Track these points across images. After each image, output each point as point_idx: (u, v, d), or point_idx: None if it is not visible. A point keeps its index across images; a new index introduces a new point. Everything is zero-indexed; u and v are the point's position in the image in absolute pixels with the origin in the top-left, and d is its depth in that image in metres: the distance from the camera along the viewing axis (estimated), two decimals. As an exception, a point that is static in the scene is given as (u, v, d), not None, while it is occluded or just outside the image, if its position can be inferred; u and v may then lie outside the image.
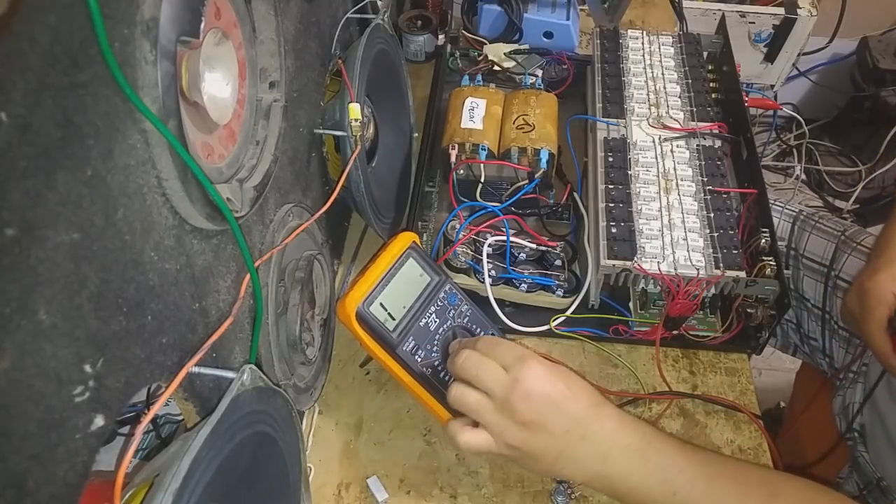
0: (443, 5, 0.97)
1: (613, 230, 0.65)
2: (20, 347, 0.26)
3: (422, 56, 0.96)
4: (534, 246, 0.70)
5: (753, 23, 1.43)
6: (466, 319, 0.60)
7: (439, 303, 0.59)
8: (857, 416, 0.78)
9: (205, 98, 0.38)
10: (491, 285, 0.67)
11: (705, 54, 0.85)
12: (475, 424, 0.51)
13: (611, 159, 0.71)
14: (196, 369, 0.40)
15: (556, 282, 0.68)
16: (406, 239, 0.59)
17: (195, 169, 0.36)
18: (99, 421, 0.32)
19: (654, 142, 0.73)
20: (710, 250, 0.64)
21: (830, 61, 1.75)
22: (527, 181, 0.72)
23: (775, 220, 0.88)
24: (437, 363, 0.57)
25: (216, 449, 0.38)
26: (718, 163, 0.71)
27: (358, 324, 0.55)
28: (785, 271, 0.63)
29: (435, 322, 0.58)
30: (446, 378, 0.56)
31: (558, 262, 0.69)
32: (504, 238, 0.69)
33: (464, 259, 0.68)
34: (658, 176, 0.70)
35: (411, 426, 0.64)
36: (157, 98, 0.33)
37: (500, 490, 0.60)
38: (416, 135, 0.81)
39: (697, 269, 0.62)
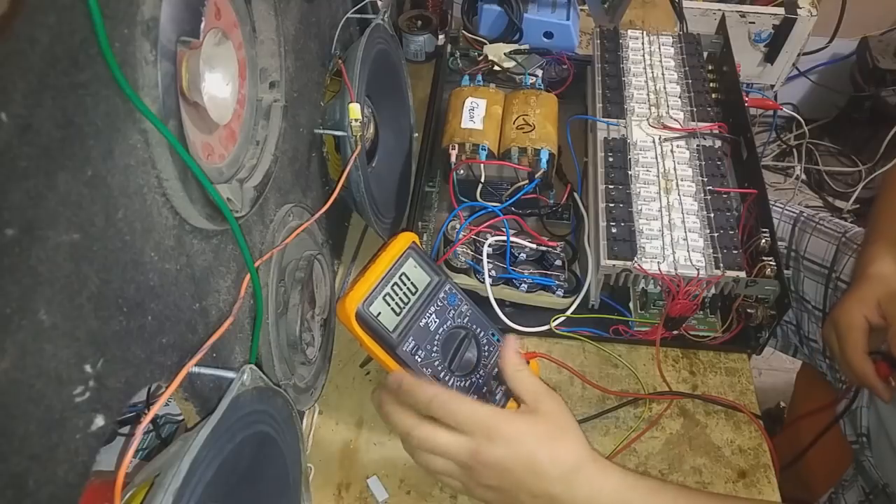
0: (443, 5, 0.97)
1: (613, 230, 0.65)
2: (20, 347, 0.26)
3: (422, 56, 0.96)
4: (534, 246, 0.70)
5: (753, 23, 1.43)
6: (466, 319, 0.60)
7: (439, 303, 0.59)
8: (846, 416, 0.78)
9: (205, 98, 0.38)
10: (491, 285, 0.67)
11: (705, 54, 0.85)
12: None
13: (611, 159, 0.71)
14: (196, 369, 0.40)
15: (557, 282, 0.68)
16: (406, 239, 0.59)
17: (195, 169, 0.36)
18: (99, 421, 0.32)
19: (654, 142, 0.73)
20: (711, 250, 0.64)
21: (830, 61, 1.75)
22: (527, 181, 0.72)
23: (775, 222, 0.88)
24: (437, 363, 0.57)
25: (216, 449, 0.38)
26: (718, 163, 0.71)
27: (358, 324, 0.55)
28: (785, 272, 0.63)
29: (435, 322, 0.58)
30: (446, 378, 0.56)
31: (558, 262, 0.69)
32: (504, 238, 0.69)
33: (464, 259, 0.68)
34: (658, 176, 0.70)
35: (411, 426, 0.64)
36: (157, 98, 0.33)
37: (500, 490, 0.60)
38: (416, 135, 0.81)
39: (697, 269, 0.62)
